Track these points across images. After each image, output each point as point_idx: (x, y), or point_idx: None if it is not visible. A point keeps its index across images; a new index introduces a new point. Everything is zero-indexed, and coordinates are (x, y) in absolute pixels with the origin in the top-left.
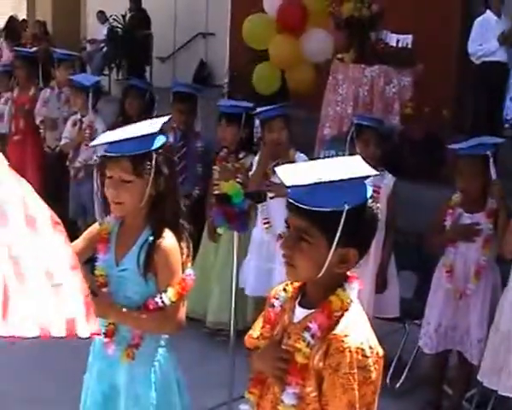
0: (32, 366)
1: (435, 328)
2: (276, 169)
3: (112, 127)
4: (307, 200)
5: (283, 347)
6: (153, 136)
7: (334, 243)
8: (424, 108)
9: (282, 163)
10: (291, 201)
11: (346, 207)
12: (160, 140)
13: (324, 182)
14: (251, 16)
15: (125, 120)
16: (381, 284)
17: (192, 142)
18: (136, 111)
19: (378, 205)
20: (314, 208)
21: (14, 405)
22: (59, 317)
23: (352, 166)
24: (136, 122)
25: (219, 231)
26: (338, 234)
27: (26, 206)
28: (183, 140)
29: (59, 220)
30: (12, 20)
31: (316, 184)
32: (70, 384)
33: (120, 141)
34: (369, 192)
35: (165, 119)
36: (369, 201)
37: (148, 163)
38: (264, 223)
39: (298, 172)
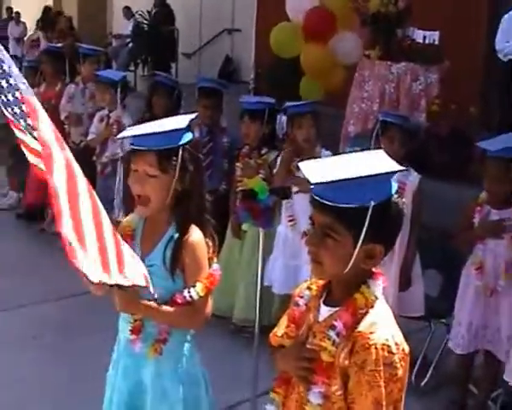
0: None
1: (467, 328)
2: (300, 165)
3: (138, 124)
4: (332, 196)
5: (308, 346)
6: (180, 131)
7: (360, 240)
8: (451, 105)
9: (307, 159)
10: (315, 197)
11: (372, 203)
12: (186, 136)
13: (349, 178)
14: (278, 26)
15: (151, 117)
16: (404, 282)
17: (218, 137)
18: (163, 109)
19: (404, 200)
20: (339, 205)
21: (36, 394)
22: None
23: (376, 162)
24: (163, 118)
25: (244, 227)
26: (364, 230)
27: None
28: (209, 136)
29: None
30: (47, 11)
31: (340, 180)
32: (90, 380)
33: (147, 135)
34: (394, 188)
35: (193, 116)
36: (395, 196)
37: (174, 158)
38: (289, 220)
39: (322, 169)
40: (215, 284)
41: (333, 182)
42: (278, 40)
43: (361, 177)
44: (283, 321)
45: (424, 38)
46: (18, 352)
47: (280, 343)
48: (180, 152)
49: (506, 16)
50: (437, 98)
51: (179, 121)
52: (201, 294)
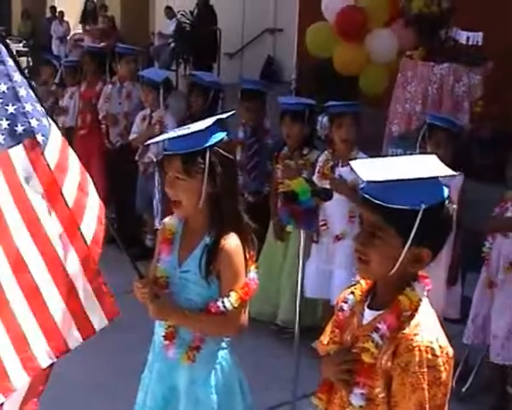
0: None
1: (472, 318)
2: (352, 163)
3: (180, 123)
4: (383, 196)
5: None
6: (205, 133)
7: (409, 242)
8: (494, 107)
9: (343, 165)
10: (366, 196)
11: (423, 206)
12: (215, 137)
13: (402, 179)
14: (312, 26)
15: (190, 115)
16: (449, 279)
17: (262, 139)
18: (200, 108)
19: (454, 206)
20: (389, 205)
21: (72, 390)
22: None
23: (428, 166)
24: (200, 118)
25: (288, 228)
26: (412, 233)
27: None
28: (253, 137)
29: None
30: (88, 4)
31: (393, 180)
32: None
33: (173, 139)
34: (446, 193)
35: (225, 115)
36: (446, 202)
37: (201, 161)
38: (322, 225)
39: (374, 167)
40: (250, 294)
41: (385, 181)
42: (313, 41)
43: (413, 179)
44: (329, 328)
45: (467, 38)
46: None
47: (327, 351)
48: (207, 154)
49: None
50: (480, 100)
51: (204, 123)
52: (235, 305)
